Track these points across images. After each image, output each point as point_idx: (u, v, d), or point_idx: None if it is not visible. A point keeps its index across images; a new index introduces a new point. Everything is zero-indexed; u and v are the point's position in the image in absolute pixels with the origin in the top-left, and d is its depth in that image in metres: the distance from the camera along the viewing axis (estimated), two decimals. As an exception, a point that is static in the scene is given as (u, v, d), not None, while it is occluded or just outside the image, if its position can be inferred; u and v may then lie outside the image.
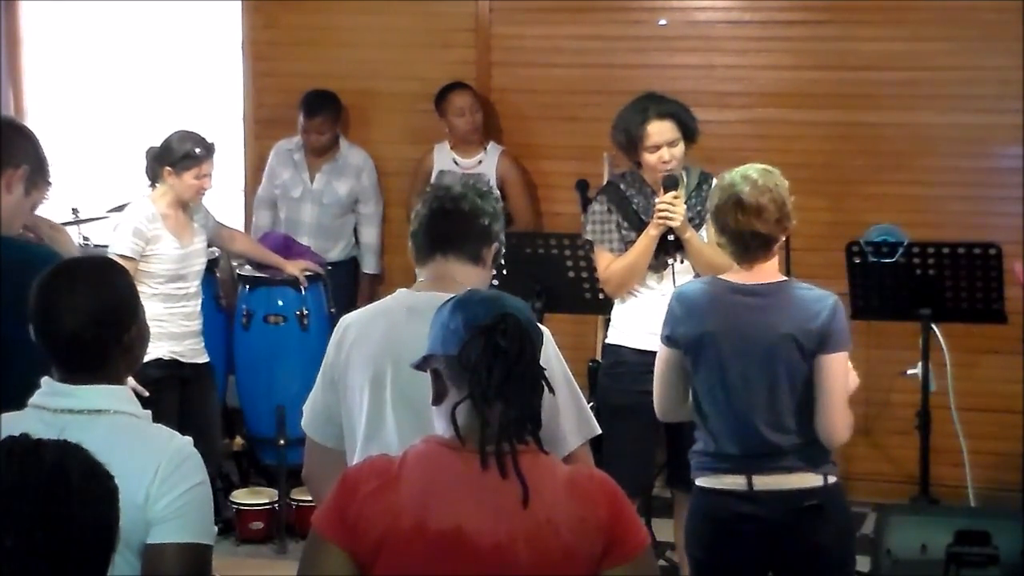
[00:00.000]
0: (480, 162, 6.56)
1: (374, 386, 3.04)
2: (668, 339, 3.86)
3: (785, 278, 3.83)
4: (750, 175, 3.75)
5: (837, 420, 3.71)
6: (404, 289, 3.23)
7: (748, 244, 3.74)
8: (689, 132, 4.84)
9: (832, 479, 3.79)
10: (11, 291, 3.04)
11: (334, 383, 3.14)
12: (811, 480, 3.76)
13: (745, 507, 3.76)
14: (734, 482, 3.77)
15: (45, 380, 2.59)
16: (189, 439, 2.56)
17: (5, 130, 3.48)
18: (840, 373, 3.72)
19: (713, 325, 3.76)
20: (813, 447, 3.76)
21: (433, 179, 6.47)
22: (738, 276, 3.80)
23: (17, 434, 1.96)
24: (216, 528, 2.56)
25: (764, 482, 3.74)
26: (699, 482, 3.87)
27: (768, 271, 3.79)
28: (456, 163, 6.55)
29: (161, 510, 2.44)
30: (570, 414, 3.04)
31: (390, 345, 3.04)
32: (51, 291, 2.59)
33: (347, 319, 3.20)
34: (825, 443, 3.75)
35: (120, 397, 2.58)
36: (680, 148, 4.81)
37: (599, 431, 3.15)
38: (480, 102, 6.64)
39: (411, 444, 2.87)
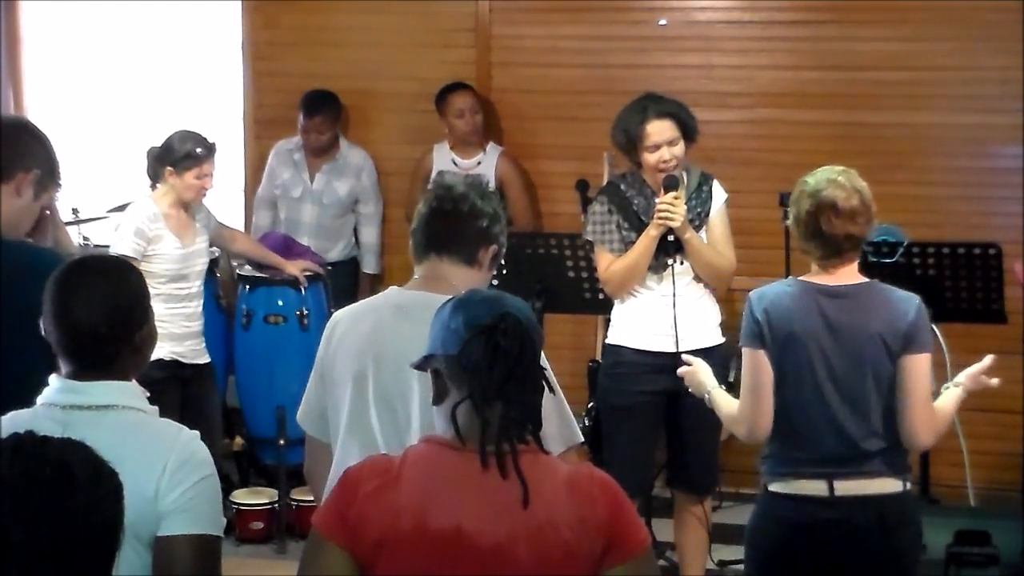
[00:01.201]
0: (479, 163, 6.56)
1: (357, 382, 3.06)
2: (758, 340, 3.73)
3: (867, 279, 3.78)
4: (836, 179, 3.72)
5: (920, 422, 3.69)
6: (395, 287, 3.25)
7: (841, 247, 3.70)
8: (688, 131, 4.83)
9: (909, 485, 3.77)
10: (14, 294, 3.04)
11: (323, 378, 3.16)
12: (892, 485, 3.73)
13: (825, 513, 3.71)
14: (814, 488, 3.72)
15: (54, 377, 2.61)
16: (196, 433, 2.59)
17: (19, 133, 3.47)
18: (924, 374, 3.70)
19: (801, 326, 3.70)
20: (895, 451, 3.73)
21: (432, 179, 6.47)
22: (821, 278, 3.75)
23: (21, 432, 1.97)
24: (224, 520, 2.58)
25: (846, 487, 3.70)
26: (773, 487, 3.79)
27: (850, 272, 3.75)
28: (455, 164, 6.55)
29: (171, 503, 2.47)
30: (553, 419, 3.03)
31: (374, 342, 3.06)
32: (69, 285, 2.61)
33: (338, 315, 3.23)
34: (908, 446, 3.73)
35: (128, 393, 2.60)
36: (680, 147, 4.81)
37: (581, 439, 3.14)
38: (480, 103, 6.63)
39: (388, 441, 2.90)
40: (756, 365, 3.74)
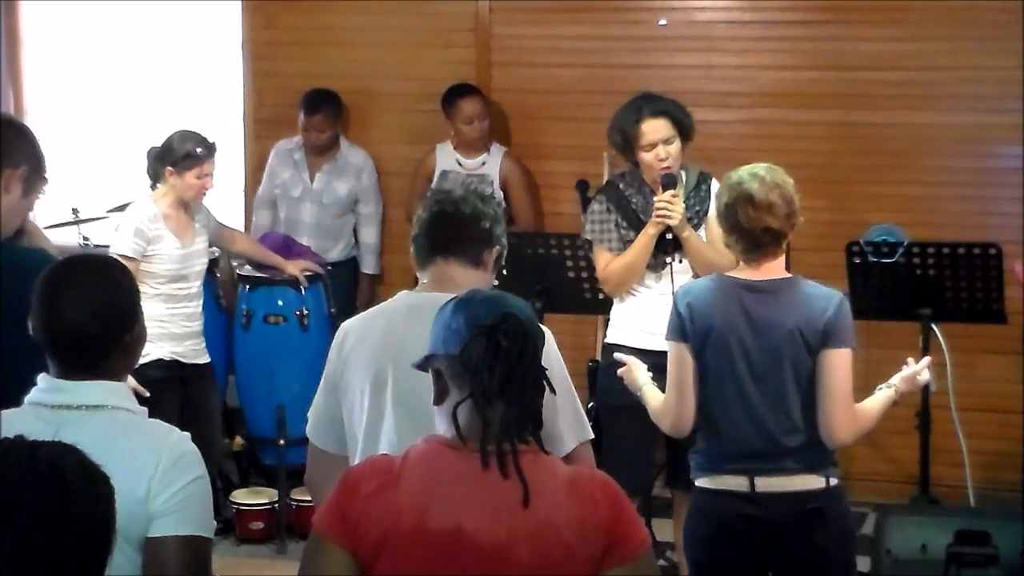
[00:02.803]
0: (484, 163, 6.54)
1: (375, 387, 3.04)
2: (680, 334, 3.80)
3: (790, 275, 3.82)
4: (757, 172, 3.77)
5: (838, 419, 3.71)
6: (406, 291, 3.24)
7: (759, 240, 3.73)
8: (684, 130, 4.83)
9: (834, 481, 3.78)
10: (7, 295, 3.04)
11: (335, 388, 3.14)
12: (813, 482, 3.75)
13: (747, 508, 3.75)
14: (735, 483, 3.76)
15: (42, 376, 2.59)
16: (187, 434, 2.57)
17: (5, 130, 3.46)
18: (843, 371, 3.71)
19: (721, 320, 3.74)
20: (817, 448, 3.75)
21: (436, 179, 6.46)
22: (744, 273, 3.79)
23: (12, 435, 1.96)
24: (216, 523, 2.57)
25: (766, 484, 3.73)
26: (699, 483, 3.86)
27: (774, 268, 3.79)
28: (460, 164, 6.54)
29: (161, 504, 2.45)
30: (568, 414, 3.05)
31: (390, 345, 3.04)
32: (57, 285, 2.59)
33: (347, 325, 3.20)
34: (826, 442, 3.74)
35: (117, 393, 2.58)
36: (676, 146, 4.81)
37: (592, 435, 3.15)
38: (486, 106, 6.61)
39: (410, 445, 2.88)
40: (679, 359, 3.81)
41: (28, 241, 3.66)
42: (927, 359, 3.99)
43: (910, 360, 3.97)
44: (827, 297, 3.75)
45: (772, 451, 3.73)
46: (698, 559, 3.90)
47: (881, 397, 3.87)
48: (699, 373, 3.80)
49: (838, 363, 3.70)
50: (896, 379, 3.91)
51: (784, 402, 3.72)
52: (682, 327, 3.79)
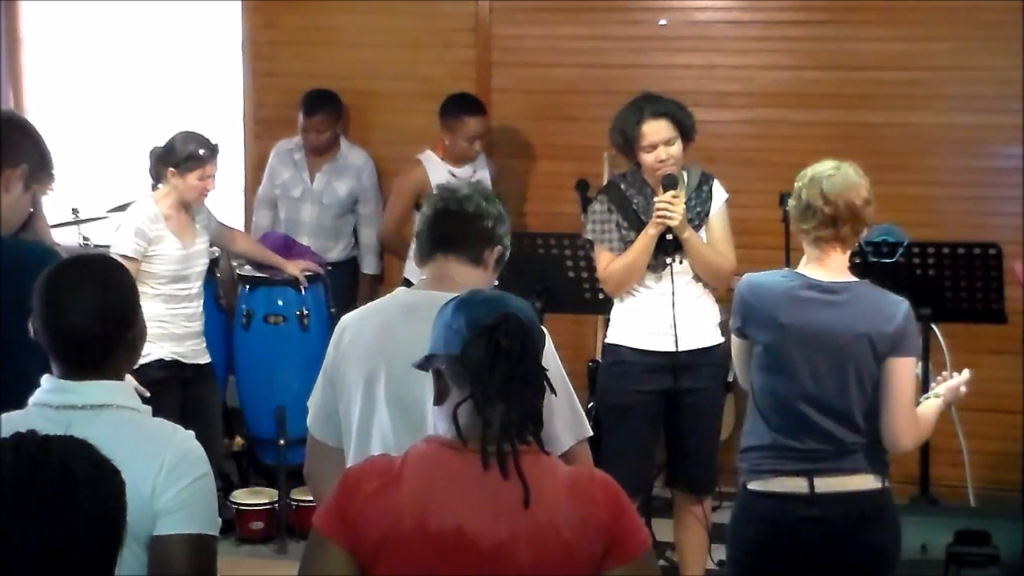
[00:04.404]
0: (475, 172, 6.48)
1: (368, 384, 3.05)
2: (739, 331, 3.84)
3: (858, 279, 3.80)
4: (834, 163, 3.79)
5: (902, 426, 3.70)
6: (403, 288, 3.26)
7: (839, 215, 3.70)
8: (685, 130, 4.83)
9: (887, 482, 3.79)
10: (9, 290, 3.04)
11: (332, 382, 3.15)
12: (871, 482, 3.75)
13: (805, 510, 3.72)
14: (794, 485, 3.73)
15: (46, 377, 2.61)
16: (191, 432, 2.59)
17: (4, 128, 3.45)
18: (908, 378, 3.71)
19: (787, 318, 3.73)
20: (875, 449, 3.74)
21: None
22: (813, 271, 3.78)
23: (23, 431, 1.97)
24: (220, 520, 2.58)
25: (826, 484, 3.71)
26: (753, 486, 3.81)
27: (841, 268, 3.77)
28: (452, 175, 6.45)
29: (167, 502, 2.47)
30: (564, 413, 3.05)
31: (384, 343, 3.05)
32: (57, 287, 2.60)
33: (346, 319, 3.22)
34: (889, 448, 3.74)
35: (122, 392, 2.60)
36: (677, 147, 4.81)
37: (590, 433, 3.15)
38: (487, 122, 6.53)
39: (402, 443, 2.89)
40: (736, 345, 3.88)
41: (34, 232, 3.67)
42: (967, 372, 3.98)
43: (941, 374, 3.99)
44: (895, 303, 3.73)
45: (832, 451, 3.72)
46: (744, 562, 3.87)
47: (932, 407, 3.88)
48: (760, 368, 3.80)
49: (904, 371, 3.69)
50: (942, 389, 3.92)
51: (846, 405, 3.71)
52: (745, 321, 3.81)
